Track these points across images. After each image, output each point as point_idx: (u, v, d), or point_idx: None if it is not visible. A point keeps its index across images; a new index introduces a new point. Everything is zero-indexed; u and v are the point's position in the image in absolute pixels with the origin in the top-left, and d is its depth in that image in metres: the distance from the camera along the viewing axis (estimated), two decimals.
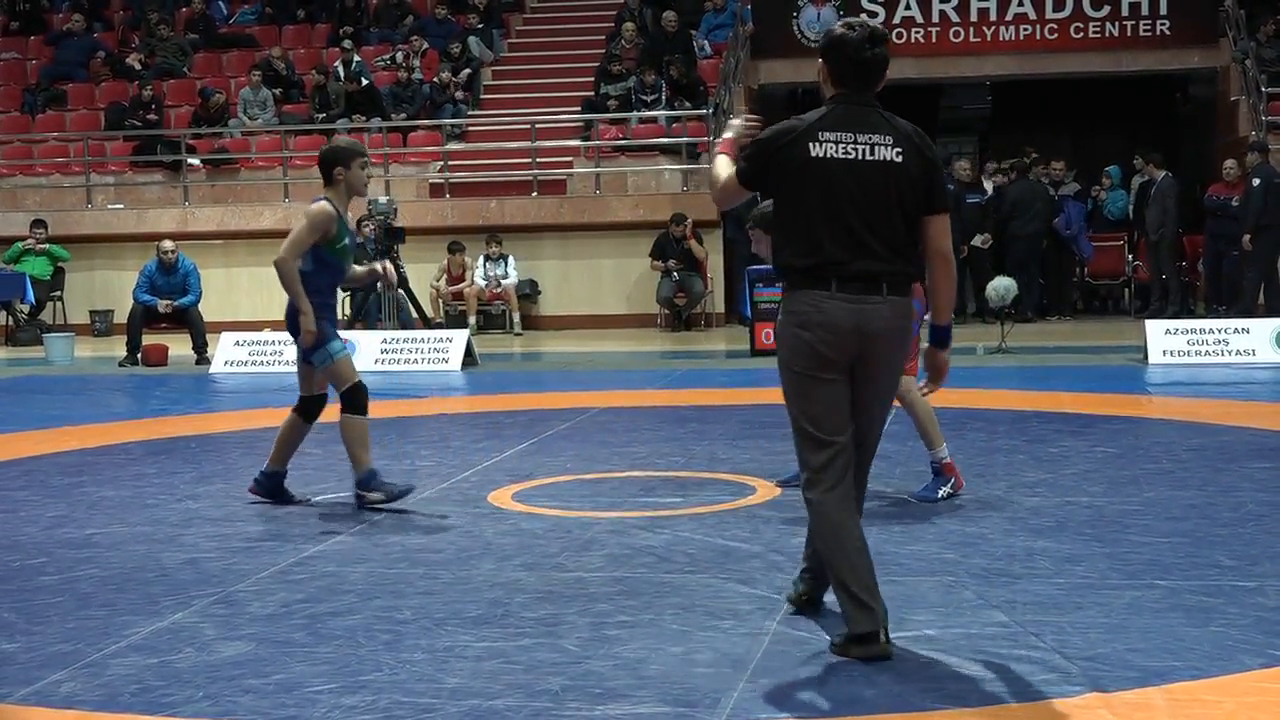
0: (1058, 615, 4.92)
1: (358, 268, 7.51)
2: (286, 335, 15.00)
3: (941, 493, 6.96)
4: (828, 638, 4.65)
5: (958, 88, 23.65)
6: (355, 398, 6.99)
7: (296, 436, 7.24)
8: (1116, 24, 19.35)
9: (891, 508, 6.83)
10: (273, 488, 7.21)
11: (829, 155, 4.41)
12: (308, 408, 7.22)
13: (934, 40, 19.65)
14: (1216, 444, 8.48)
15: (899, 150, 4.45)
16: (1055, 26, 19.40)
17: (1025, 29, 19.57)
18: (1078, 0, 19.37)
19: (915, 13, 19.63)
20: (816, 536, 4.64)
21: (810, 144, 4.42)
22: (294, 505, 7.17)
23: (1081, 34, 19.45)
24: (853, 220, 4.40)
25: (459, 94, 19.83)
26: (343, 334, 15.02)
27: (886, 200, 4.43)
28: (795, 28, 19.89)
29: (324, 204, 7.08)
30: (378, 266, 7.71)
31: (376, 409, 11.12)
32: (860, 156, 4.42)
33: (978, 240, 17.17)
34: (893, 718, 3.99)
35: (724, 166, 4.68)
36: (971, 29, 19.65)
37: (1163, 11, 19.18)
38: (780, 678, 4.33)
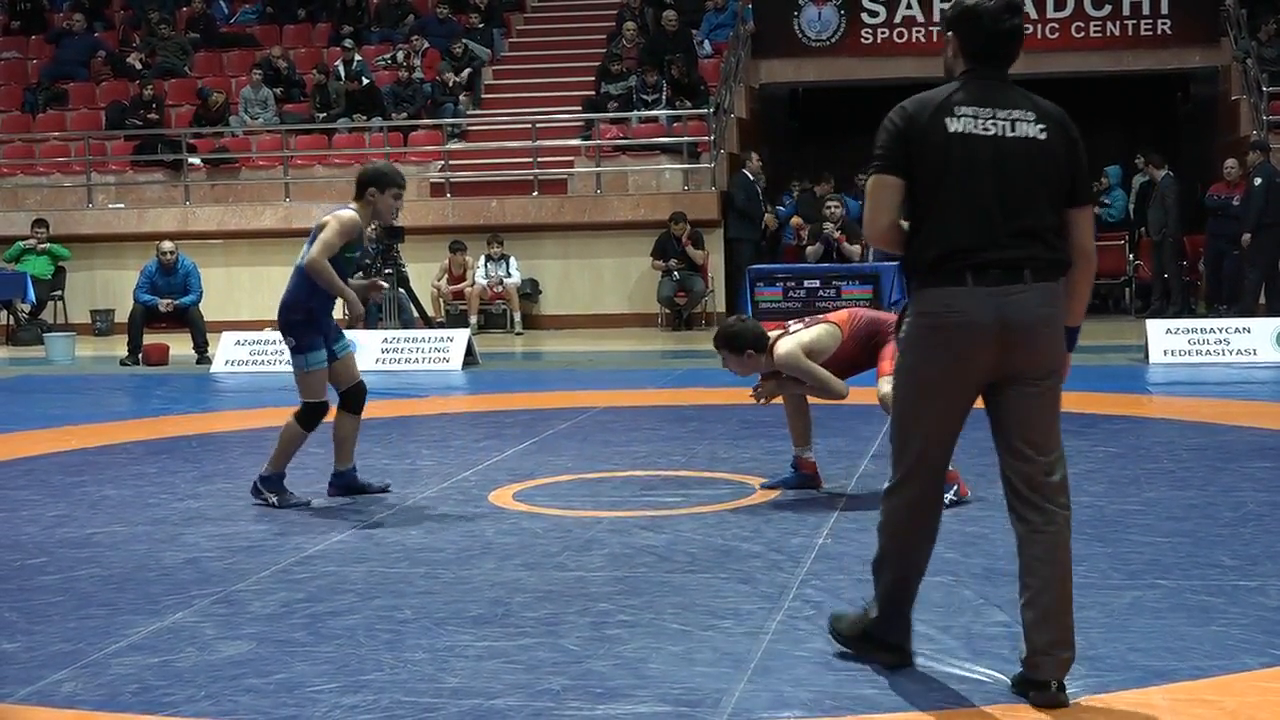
0: None
1: (357, 281, 7.56)
2: None
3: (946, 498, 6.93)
4: (829, 637, 4.65)
5: None
6: (309, 413, 7.16)
7: (349, 431, 7.35)
8: (1117, 23, 19.35)
9: None
10: (346, 484, 7.34)
11: (968, 131, 3.99)
12: (349, 400, 7.33)
13: (935, 39, 19.61)
14: (1217, 444, 8.48)
15: (1043, 128, 4.04)
16: (1056, 25, 19.40)
17: (1026, 28, 19.45)
18: (1079, 0, 19.37)
19: (916, 12, 19.63)
20: (883, 531, 4.28)
21: (947, 119, 4.00)
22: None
23: (1083, 33, 19.45)
24: (991, 203, 3.97)
25: (463, 96, 19.82)
26: (348, 333, 15.06)
27: (1030, 181, 4.00)
28: (796, 27, 19.89)
29: (354, 213, 7.08)
30: (381, 282, 7.88)
31: (378, 408, 11.15)
32: (1001, 133, 4.00)
33: None
34: (894, 717, 4.00)
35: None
36: None
37: (1164, 11, 19.18)
38: (781, 677, 4.33)
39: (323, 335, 7.18)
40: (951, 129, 3.99)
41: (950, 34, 4.13)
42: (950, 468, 7.00)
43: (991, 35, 4.06)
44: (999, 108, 4.03)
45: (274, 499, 7.07)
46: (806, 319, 7.28)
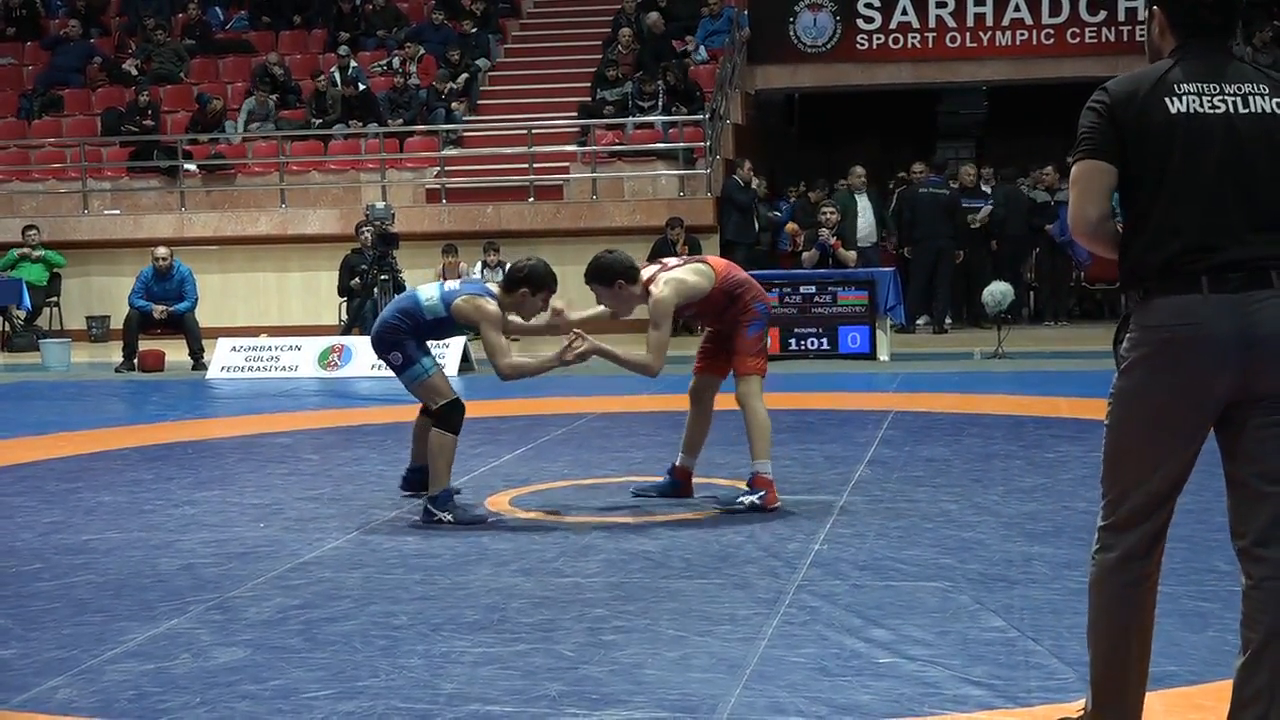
0: (1055, 620, 4.92)
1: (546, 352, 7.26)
2: (282, 340, 14.94)
3: (748, 501, 6.88)
4: (825, 641, 4.65)
5: (954, 93, 23.67)
6: (450, 415, 6.91)
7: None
8: (1112, 29, 19.38)
9: (888, 514, 6.83)
10: (417, 480, 7.28)
11: (1193, 110, 3.39)
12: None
13: (930, 45, 19.67)
14: (1211, 449, 8.45)
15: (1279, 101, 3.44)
16: (1051, 32, 19.42)
17: (1021, 34, 19.59)
18: (1074, 5, 19.41)
19: (912, 17, 19.64)
20: (1094, 593, 3.57)
21: (1168, 99, 3.40)
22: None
23: (1078, 39, 19.48)
24: (1228, 191, 3.38)
25: (454, 104, 19.82)
26: (344, 340, 15.01)
27: (1273, 164, 3.40)
28: (791, 33, 19.90)
29: (495, 306, 6.91)
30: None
31: (375, 415, 11.16)
32: (1232, 110, 3.40)
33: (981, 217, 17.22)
34: None
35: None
36: (968, 34, 19.66)
37: (1139, 18, 19.21)
38: (777, 682, 4.33)
39: (419, 347, 7.02)
40: (1174, 109, 3.39)
41: (1154, 8, 3.56)
42: (768, 475, 6.87)
43: (1202, 4, 3.47)
44: (1226, 82, 3.43)
45: (448, 516, 6.72)
46: (684, 257, 7.29)
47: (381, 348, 7.03)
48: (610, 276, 6.82)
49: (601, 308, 7.11)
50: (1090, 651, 3.56)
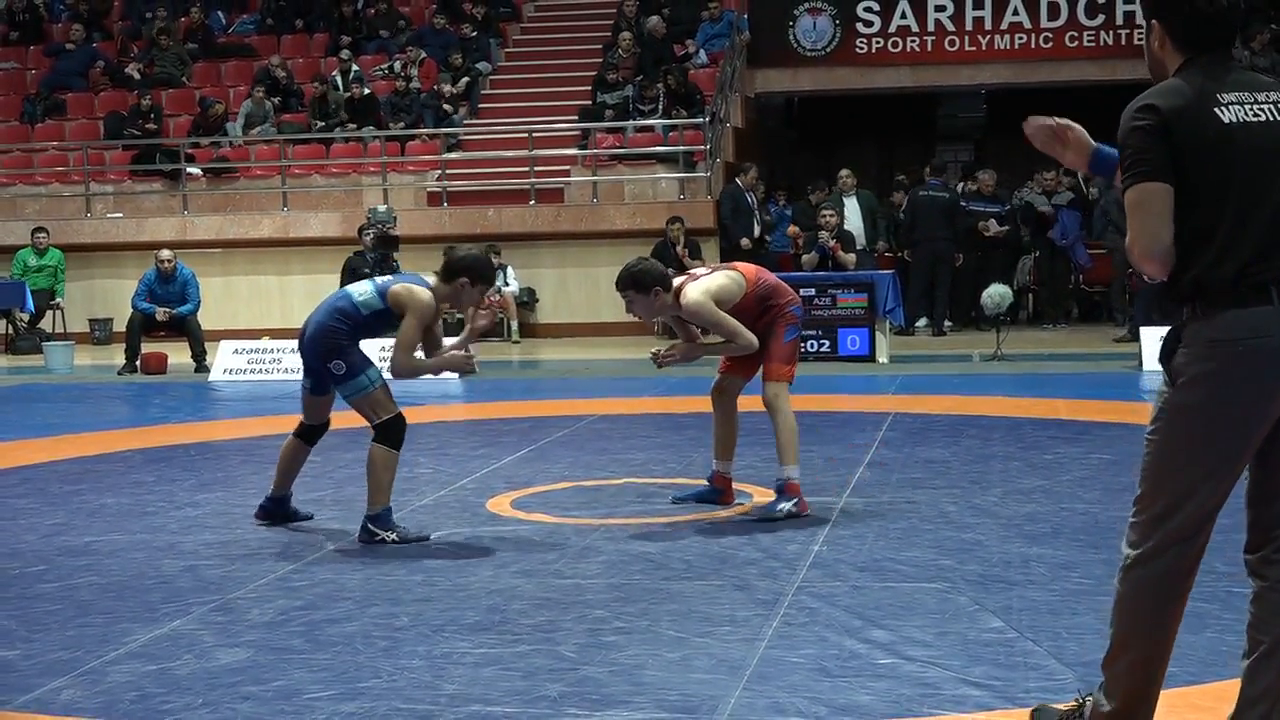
0: (1053, 621, 4.92)
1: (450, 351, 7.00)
2: (284, 343, 14.91)
3: (783, 509, 6.79)
4: (825, 642, 4.65)
5: (954, 96, 23.67)
6: (392, 429, 6.53)
7: (299, 460, 7.00)
8: (1110, 33, 19.38)
9: (888, 515, 6.83)
10: (277, 511, 6.98)
11: (1243, 120, 3.32)
12: (311, 434, 6.92)
13: (929, 49, 19.67)
14: None
15: None
16: (1050, 35, 19.43)
17: (1020, 38, 19.59)
18: (1072, 9, 19.41)
19: (911, 21, 19.64)
20: (1122, 609, 3.54)
21: (1217, 110, 3.32)
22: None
23: (1076, 43, 19.48)
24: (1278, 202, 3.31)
25: (447, 106, 19.83)
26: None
27: None
28: (791, 37, 19.91)
29: (429, 297, 6.53)
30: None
31: None
32: (1271, 118, 3.35)
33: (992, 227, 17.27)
34: None
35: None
36: (967, 38, 19.67)
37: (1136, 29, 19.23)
38: (777, 683, 4.33)
39: (363, 354, 6.59)
40: (1227, 119, 3.31)
41: (1154, 22, 3.49)
42: (795, 480, 6.78)
43: (1210, 19, 3.39)
44: (1255, 90, 3.39)
45: (392, 536, 6.39)
46: (710, 265, 7.21)
47: (319, 356, 6.52)
48: (649, 283, 6.71)
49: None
50: (1123, 661, 3.52)
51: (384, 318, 6.57)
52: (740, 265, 7.17)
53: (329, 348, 6.49)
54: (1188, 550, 3.46)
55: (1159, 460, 3.42)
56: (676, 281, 6.85)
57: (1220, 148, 3.30)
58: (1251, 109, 3.34)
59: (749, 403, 7.13)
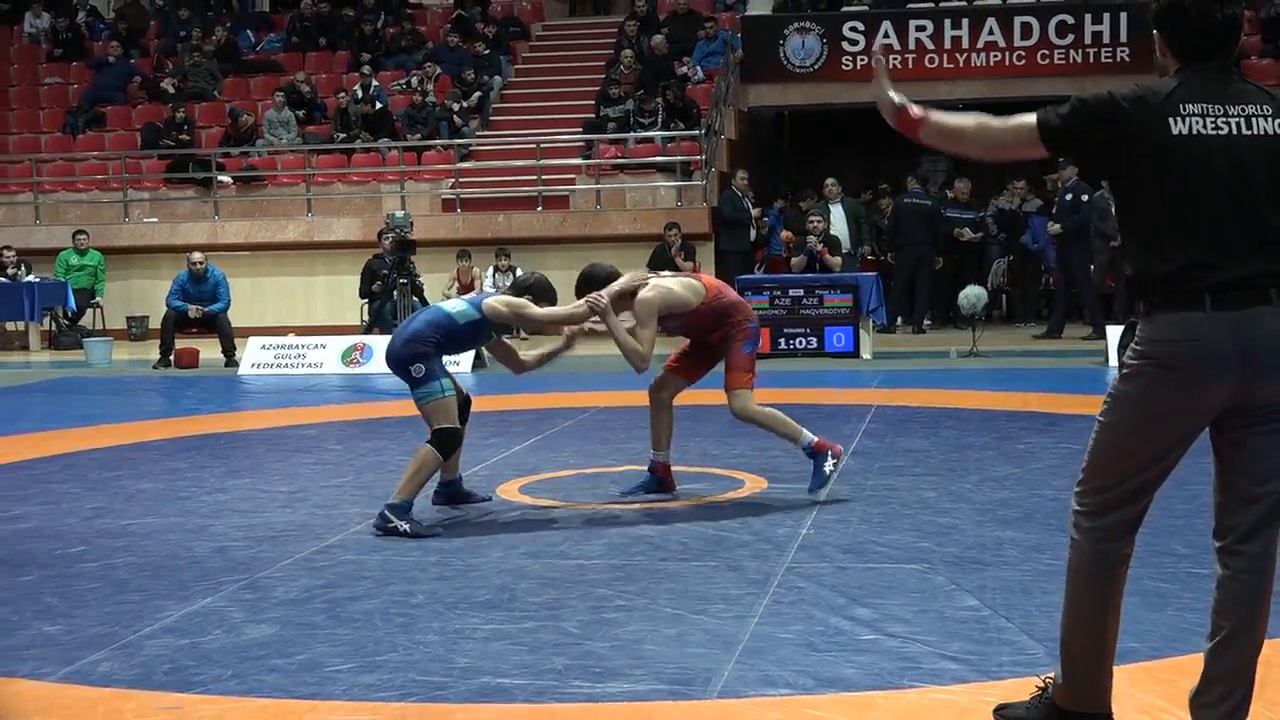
0: (1025, 599, 4.91)
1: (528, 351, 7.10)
2: (308, 339, 14.90)
3: (828, 468, 6.81)
4: (812, 619, 4.64)
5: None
6: (447, 439, 6.48)
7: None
8: (1080, 51, 19.34)
9: (871, 501, 6.82)
10: (451, 494, 6.91)
11: (1196, 132, 3.27)
12: (461, 413, 6.73)
13: (910, 66, 19.61)
14: (1199, 445, 8.45)
15: None
16: (1023, 53, 19.39)
17: (995, 55, 19.56)
18: (1044, 29, 19.37)
19: (893, 40, 19.61)
20: (1070, 577, 3.52)
21: (1171, 119, 3.28)
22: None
23: (1047, 60, 19.44)
24: (1229, 211, 3.27)
25: (459, 120, 19.82)
26: (366, 339, 14.99)
27: (1272, 184, 3.30)
28: (782, 55, 19.87)
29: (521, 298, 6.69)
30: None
31: (394, 408, 11.15)
32: (1235, 131, 3.29)
33: (967, 233, 17.28)
34: (871, 694, 3.99)
35: (975, 118, 3.50)
36: (945, 55, 19.63)
37: (1123, 39, 19.18)
38: (767, 657, 4.32)
39: (441, 366, 6.58)
40: (1175, 130, 3.28)
41: (1156, 32, 3.43)
42: (814, 440, 6.75)
43: (1202, 30, 3.34)
44: (1229, 103, 3.31)
45: (405, 526, 6.25)
46: (678, 273, 7.17)
47: (403, 360, 6.49)
48: (601, 283, 6.71)
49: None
50: (1065, 628, 3.52)
51: (479, 328, 6.63)
52: (705, 277, 7.14)
53: (413, 354, 6.45)
54: (1123, 517, 3.47)
55: (1101, 441, 3.46)
56: (642, 277, 6.81)
57: (1161, 158, 3.28)
58: (1216, 121, 3.28)
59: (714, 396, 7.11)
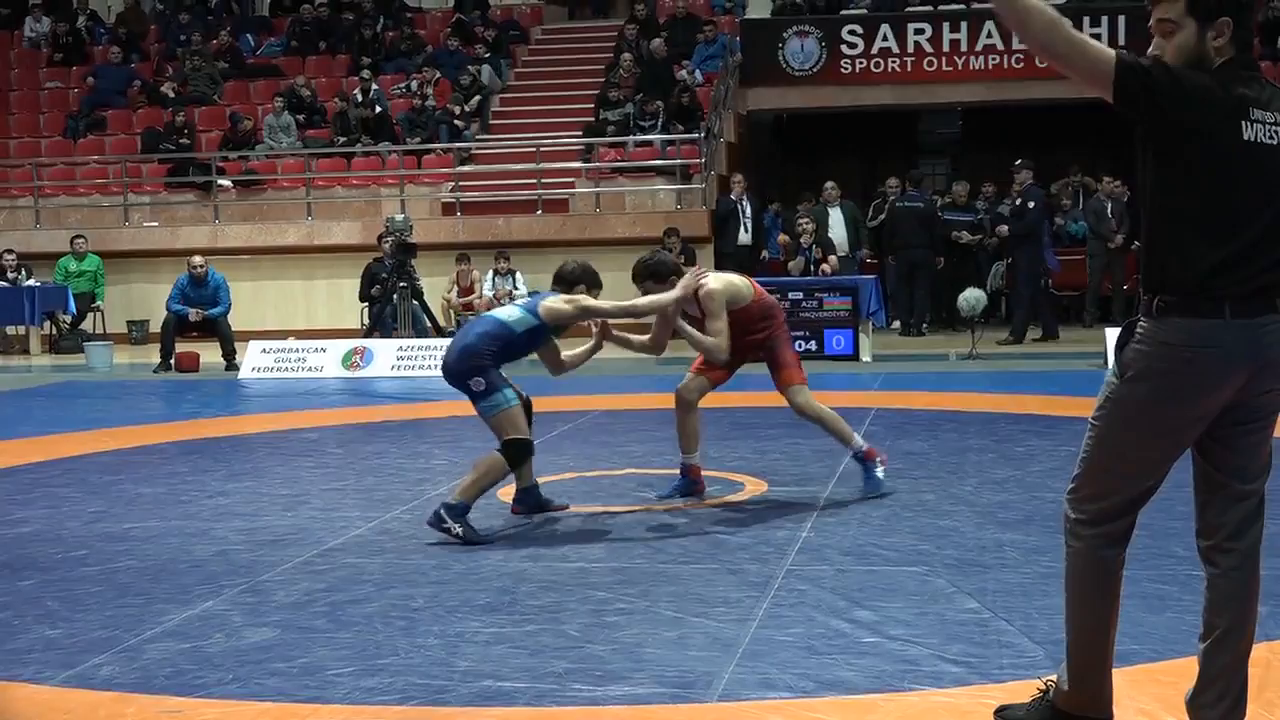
0: (1025, 602, 4.91)
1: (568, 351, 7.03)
2: (308, 343, 14.87)
3: (880, 473, 6.94)
4: (812, 621, 4.64)
5: (932, 113, 23.64)
6: (516, 449, 6.35)
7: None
8: None
9: (870, 504, 6.83)
10: (529, 502, 6.75)
11: (1259, 140, 3.19)
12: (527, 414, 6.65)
13: (909, 69, 19.63)
14: None
15: None
16: (1021, 57, 19.37)
17: (994, 58, 19.56)
18: None
19: (892, 43, 19.62)
20: (1068, 581, 3.49)
21: (1244, 123, 3.18)
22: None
23: (1046, 64, 19.43)
24: (1257, 224, 3.21)
25: (460, 122, 19.83)
26: (366, 342, 14.97)
27: None
28: (780, 58, 19.87)
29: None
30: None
31: (395, 412, 11.15)
32: (1277, 141, 3.22)
33: (966, 237, 17.28)
34: (871, 697, 3.99)
35: (1055, 14, 3.26)
36: (944, 59, 19.63)
37: (1121, 41, 19.20)
38: (768, 660, 4.32)
39: (501, 375, 6.44)
40: (1246, 135, 3.18)
41: (1225, 19, 3.21)
42: (865, 448, 6.91)
43: (1260, 24, 3.32)
44: (1275, 109, 3.23)
45: (458, 529, 6.11)
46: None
47: (460, 376, 6.36)
48: (665, 274, 6.73)
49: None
50: (1070, 634, 3.50)
51: (538, 334, 6.55)
52: (747, 279, 7.15)
53: (471, 367, 6.33)
54: (1116, 529, 3.44)
55: (1100, 446, 3.39)
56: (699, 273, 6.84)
57: (1225, 158, 3.18)
58: (1270, 129, 3.21)
59: (753, 399, 7.11)
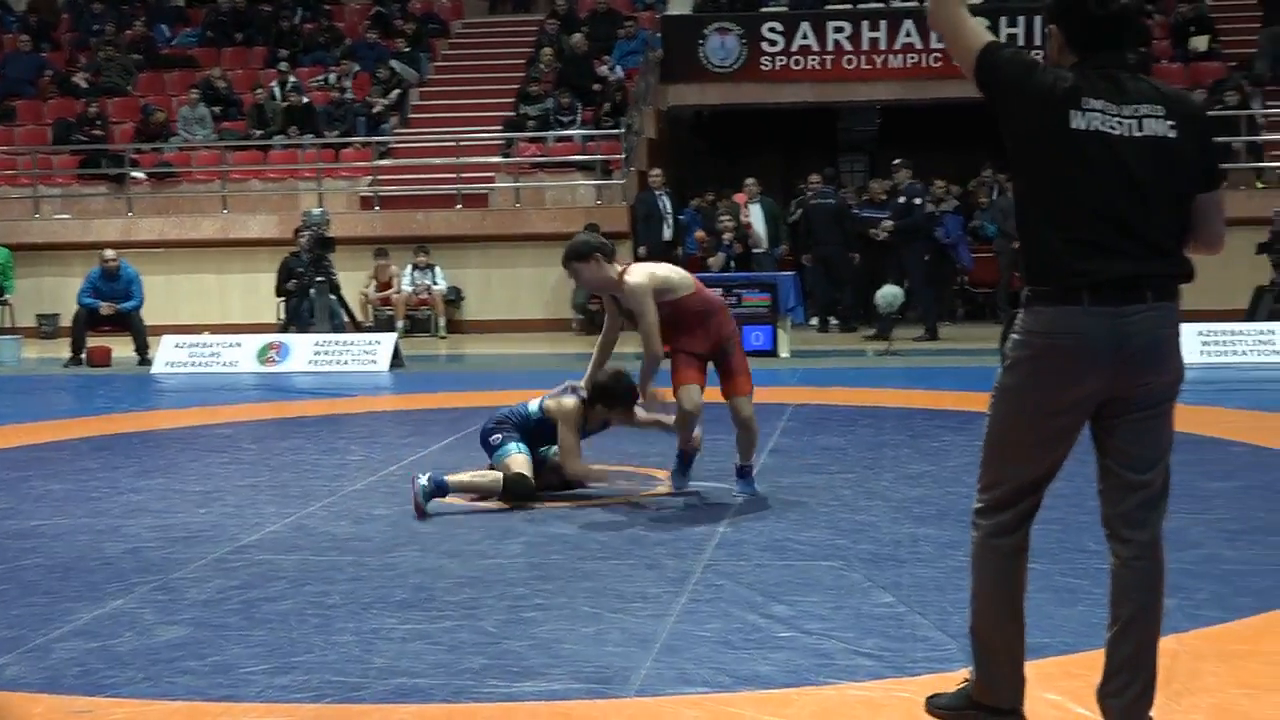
0: (939, 596, 4.96)
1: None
2: (223, 338, 14.70)
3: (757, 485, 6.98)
4: (729, 616, 4.65)
5: (851, 111, 23.79)
6: (516, 485, 6.72)
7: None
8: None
9: (788, 499, 6.86)
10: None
11: (1094, 129, 3.27)
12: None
13: (829, 67, 19.75)
14: (1085, 438, 8.57)
15: (1173, 124, 3.31)
16: (939, 55, 19.54)
17: (912, 57, 19.73)
18: None
19: (812, 41, 19.72)
20: (974, 571, 3.54)
21: (1073, 113, 3.28)
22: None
23: None
24: (1108, 213, 3.28)
25: (379, 113, 19.72)
26: (282, 337, 14.81)
27: (1157, 187, 3.31)
28: (701, 54, 19.92)
29: (575, 404, 6.99)
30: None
31: (311, 407, 11.05)
32: (1128, 132, 3.28)
33: (883, 232, 17.41)
34: (787, 691, 4.01)
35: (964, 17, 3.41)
36: (863, 57, 19.77)
37: (1037, 42, 19.44)
38: (685, 655, 4.33)
39: (517, 441, 6.93)
40: (1075, 125, 3.28)
41: (1052, 27, 3.41)
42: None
43: (1097, 21, 3.34)
44: (1124, 103, 3.30)
45: (422, 490, 6.57)
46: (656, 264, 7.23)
47: (486, 434, 7.01)
48: (587, 252, 6.69)
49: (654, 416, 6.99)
50: (973, 623, 3.55)
51: (545, 426, 6.93)
52: (687, 274, 7.13)
53: (496, 428, 6.95)
54: (1016, 512, 3.51)
55: (991, 435, 3.52)
56: (620, 266, 6.81)
57: (1057, 147, 3.29)
58: (1112, 120, 3.29)
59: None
